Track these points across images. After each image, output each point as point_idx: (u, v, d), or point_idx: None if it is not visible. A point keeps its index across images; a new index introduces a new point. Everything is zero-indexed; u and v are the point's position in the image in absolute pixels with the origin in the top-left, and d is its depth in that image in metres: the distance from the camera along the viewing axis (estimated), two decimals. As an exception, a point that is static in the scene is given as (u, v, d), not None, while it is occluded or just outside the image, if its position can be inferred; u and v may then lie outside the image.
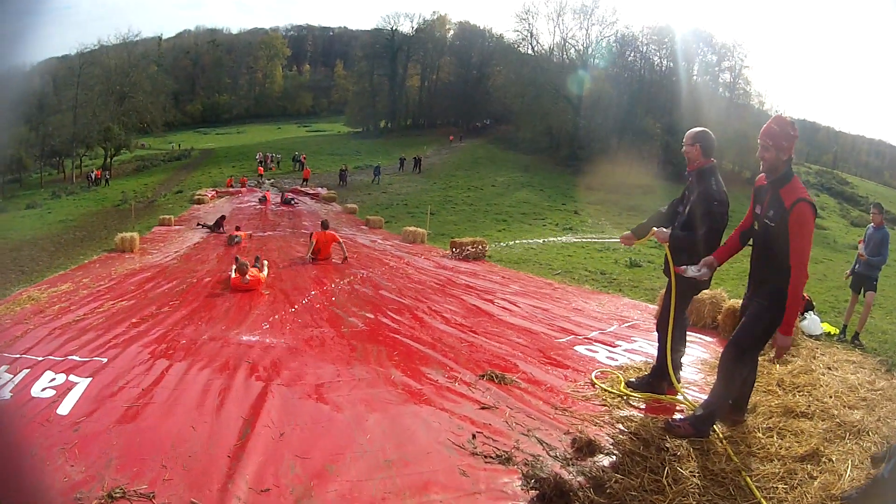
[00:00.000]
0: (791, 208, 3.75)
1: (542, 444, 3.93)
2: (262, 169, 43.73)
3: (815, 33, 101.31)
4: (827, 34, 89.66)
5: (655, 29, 56.30)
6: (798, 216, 3.74)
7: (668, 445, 3.91)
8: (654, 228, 4.72)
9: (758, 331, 4.07)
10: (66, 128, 49.90)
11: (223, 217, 20.32)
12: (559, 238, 18.95)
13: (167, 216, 22.60)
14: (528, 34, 60.58)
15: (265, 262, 11.24)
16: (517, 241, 18.36)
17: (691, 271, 4.32)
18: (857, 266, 8.51)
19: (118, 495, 3.14)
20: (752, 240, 4.26)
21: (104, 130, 50.93)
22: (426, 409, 4.50)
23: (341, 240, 13.51)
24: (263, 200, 29.66)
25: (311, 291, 9.37)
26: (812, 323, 7.86)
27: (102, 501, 3.10)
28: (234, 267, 9.90)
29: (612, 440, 4.02)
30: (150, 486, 3.25)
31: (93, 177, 46.31)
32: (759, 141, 3.91)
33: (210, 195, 32.44)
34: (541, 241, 18.49)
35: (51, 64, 57.11)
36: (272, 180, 40.44)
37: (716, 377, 4.26)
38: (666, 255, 4.70)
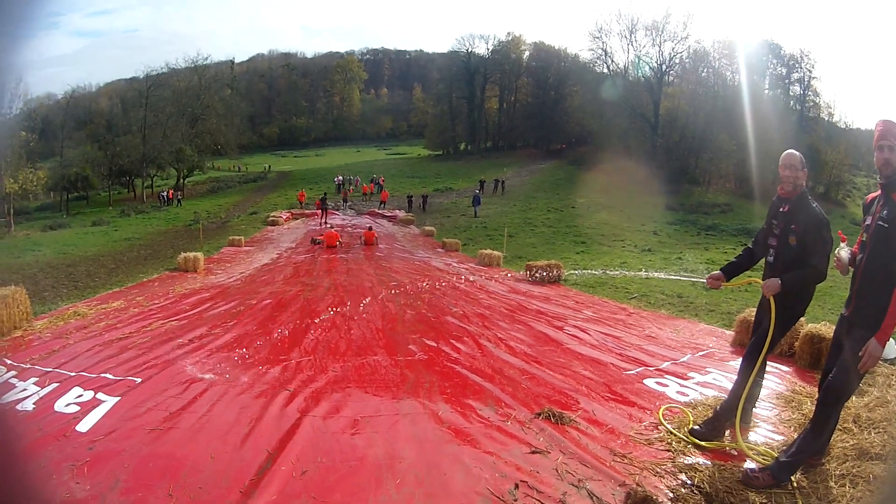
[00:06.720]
0: None
1: (592, 498, 3.58)
2: (345, 193, 44.58)
3: (879, 41, 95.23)
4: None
5: (725, 43, 55.03)
6: None
7: (732, 501, 3.51)
8: (761, 281, 4.28)
9: (860, 373, 3.65)
10: (135, 148, 51.67)
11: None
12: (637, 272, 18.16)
13: (237, 237, 22.88)
14: (603, 52, 60.13)
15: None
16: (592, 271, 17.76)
17: (844, 252, 3.91)
18: None
19: (114, 518, 3.08)
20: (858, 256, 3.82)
21: (176, 151, 52.61)
22: (469, 452, 4.18)
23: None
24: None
25: (375, 317, 9.21)
26: (888, 346, 7.14)
27: None
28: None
29: (671, 494, 3.63)
30: (150, 514, 3.15)
31: (165, 197, 47.81)
32: (877, 144, 3.51)
33: (285, 217, 32.95)
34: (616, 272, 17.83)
35: (118, 85, 59.92)
36: (350, 202, 41.08)
37: (810, 423, 3.86)
38: (768, 300, 4.18)
